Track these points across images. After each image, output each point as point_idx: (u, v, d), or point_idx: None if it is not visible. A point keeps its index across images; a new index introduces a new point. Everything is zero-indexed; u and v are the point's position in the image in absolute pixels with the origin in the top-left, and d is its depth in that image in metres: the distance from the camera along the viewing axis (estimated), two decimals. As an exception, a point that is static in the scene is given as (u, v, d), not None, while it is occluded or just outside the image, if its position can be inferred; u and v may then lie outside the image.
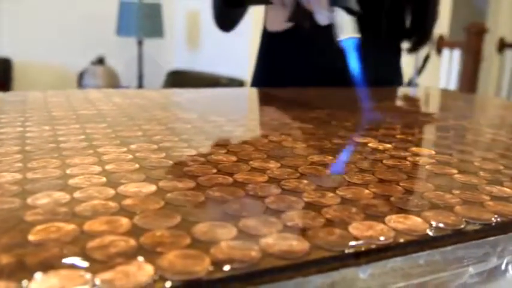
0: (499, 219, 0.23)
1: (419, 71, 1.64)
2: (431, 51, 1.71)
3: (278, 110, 0.51)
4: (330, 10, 0.47)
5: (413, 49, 0.82)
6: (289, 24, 0.76)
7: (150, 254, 0.18)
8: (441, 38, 2.45)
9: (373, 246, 0.20)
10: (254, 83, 0.85)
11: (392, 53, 0.84)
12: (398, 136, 0.40)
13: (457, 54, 2.51)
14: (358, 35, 0.47)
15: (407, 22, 0.77)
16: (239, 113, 0.51)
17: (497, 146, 0.39)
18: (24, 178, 0.26)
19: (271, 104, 0.55)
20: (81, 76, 2.69)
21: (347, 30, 0.46)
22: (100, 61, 2.72)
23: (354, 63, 0.48)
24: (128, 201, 0.23)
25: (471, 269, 0.23)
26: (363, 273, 0.20)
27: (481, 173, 0.30)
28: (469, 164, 0.32)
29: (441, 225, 0.22)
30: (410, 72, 1.92)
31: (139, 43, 2.74)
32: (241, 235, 0.20)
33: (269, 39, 0.81)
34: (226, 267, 0.17)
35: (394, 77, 0.87)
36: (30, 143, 0.33)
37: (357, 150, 0.35)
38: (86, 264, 0.17)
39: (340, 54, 0.78)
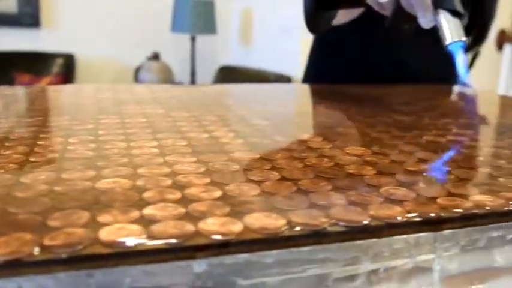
0: (372, 223, 0.22)
1: (468, 69, 1.54)
2: (480, 47, 1.58)
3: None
4: (434, 13, 0.46)
5: (472, 47, 0.77)
6: (351, 17, 0.74)
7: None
8: (503, 32, 2.28)
9: (208, 242, 0.20)
10: (307, 78, 0.84)
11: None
12: (354, 136, 0.39)
13: (523, 50, 2.33)
14: (464, 38, 0.45)
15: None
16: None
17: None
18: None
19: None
20: (137, 71, 2.82)
21: (453, 33, 0.45)
22: (155, 57, 2.84)
23: (460, 68, 0.46)
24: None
25: (336, 272, 0.22)
26: (199, 267, 0.20)
27: (400, 175, 0.29)
28: (398, 165, 0.31)
29: (302, 225, 0.22)
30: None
31: (193, 39, 2.82)
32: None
33: (328, 32, 0.80)
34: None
35: (451, 75, 0.85)
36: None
37: (292, 148, 0.34)
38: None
39: (403, 46, 0.76)
